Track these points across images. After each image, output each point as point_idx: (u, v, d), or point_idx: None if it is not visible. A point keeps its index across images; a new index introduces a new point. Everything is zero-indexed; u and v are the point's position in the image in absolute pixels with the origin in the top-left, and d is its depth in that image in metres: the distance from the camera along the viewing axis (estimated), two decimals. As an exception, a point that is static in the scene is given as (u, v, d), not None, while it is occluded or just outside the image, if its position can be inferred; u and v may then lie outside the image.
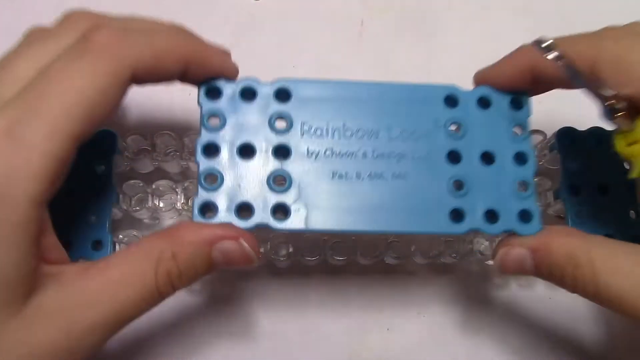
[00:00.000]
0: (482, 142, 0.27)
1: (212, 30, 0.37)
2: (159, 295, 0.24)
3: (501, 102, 0.28)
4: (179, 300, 0.33)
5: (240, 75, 0.27)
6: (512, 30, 0.38)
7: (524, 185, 0.26)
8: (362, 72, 0.37)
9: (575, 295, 0.34)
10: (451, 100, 0.28)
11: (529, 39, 0.37)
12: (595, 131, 0.31)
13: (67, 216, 0.29)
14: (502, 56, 0.37)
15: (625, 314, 0.23)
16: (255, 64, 0.37)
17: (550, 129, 0.32)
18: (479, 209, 0.26)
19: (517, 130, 0.27)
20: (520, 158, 0.27)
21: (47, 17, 0.37)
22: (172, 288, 0.24)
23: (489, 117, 0.27)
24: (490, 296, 0.34)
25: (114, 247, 0.30)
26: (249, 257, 0.24)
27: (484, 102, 0.28)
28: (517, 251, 0.26)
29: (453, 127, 0.27)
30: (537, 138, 0.32)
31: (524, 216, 0.26)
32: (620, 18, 0.38)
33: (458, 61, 0.37)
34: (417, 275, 0.34)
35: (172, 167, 0.33)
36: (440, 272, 0.34)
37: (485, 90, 0.28)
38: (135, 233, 0.31)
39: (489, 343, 0.34)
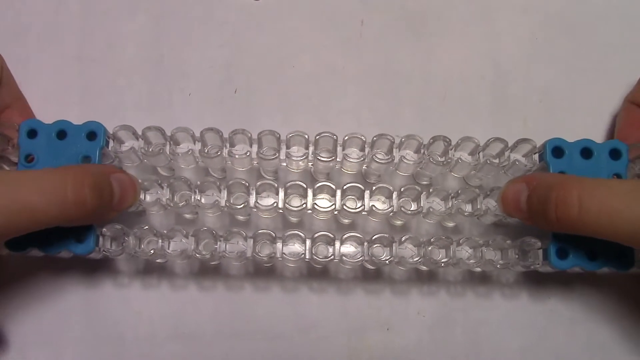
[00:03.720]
0: None
1: (212, 30, 0.37)
2: (66, 198, 0.26)
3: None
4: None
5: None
6: (512, 30, 0.38)
7: None
8: (362, 72, 0.37)
9: (572, 296, 0.34)
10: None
11: (528, 38, 0.38)
12: (584, 143, 0.31)
13: None
14: (501, 56, 0.37)
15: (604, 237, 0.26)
16: (255, 64, 0.37)
17: (541, 138, 0.31)
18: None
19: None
20: None
21: (47, 17, 0.37)
22: (84, 196, 0.27)
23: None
24: (490, 297, 0.34)
25: (97, 240, 0.30)
26: (135, 183, 0.30)
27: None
28: (516, 185, 0.29)
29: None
30: (526, 147, 0.32)
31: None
32: (619, 19, 0.38)
33: (458, 61, 0.37)
34: (417, 275, 0.34)
35: (159, 161, 0.32)
36: (440, 274, 0.34)
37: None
38: (118, 226, 0.30)
39: (488, 343, 0.34)
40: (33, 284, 0.33)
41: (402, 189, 0.31)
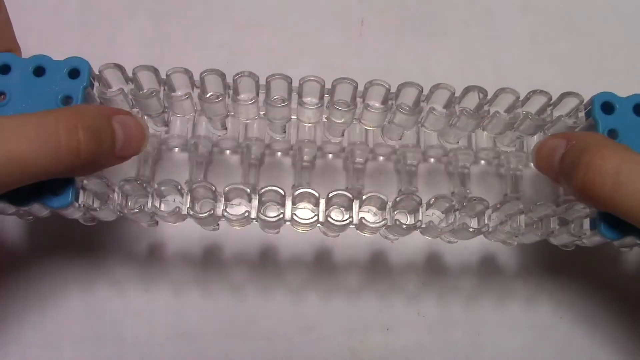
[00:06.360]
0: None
1: (212, 30, 0.37)
2: (58, 146, 0.23)
3: None
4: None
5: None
6: (512, 30, 0.38)
7: None
8: (362, 72, 0.37)
9: (573, 296, 0.34)
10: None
11: (528, 38, 0.38)
12: (638, 99, 0.27)
13: None
14: (501, 56, 0.37)
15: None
16: (255, 63, 0.37)
17: (588, 93, 0.29)
18: None
19: None
20: None
21: (47, 17, 0.37)
22: (77, 142, 0.24)
23: None
24: (491, 297, 0.34)
25: (77, 194, 0.26)
26: (142, 128, 0.26)
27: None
28: (554, 140, 0.26)
29: None
30: (572, 101, 0.28)
31: None
32: (619, 19, 0.38)
33: (458, 61, 0.37)
34: (417, 275, 0.34)
35: (151, 107, 0.29)
36: (440, 274, 0.34)
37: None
38: (98, 180, 0.27)
39: (488, 344, 0.34)
40: (33, 285, 0.33)
41: (397, 199, 0.27)
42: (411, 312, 0.34)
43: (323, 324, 0.33)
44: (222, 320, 0.33)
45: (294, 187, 0.33)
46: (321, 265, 0.34)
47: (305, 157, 0.33)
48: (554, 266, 0.34)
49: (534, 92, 0.28)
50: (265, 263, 0.34)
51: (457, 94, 0.29)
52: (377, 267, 0.34)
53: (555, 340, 0.34)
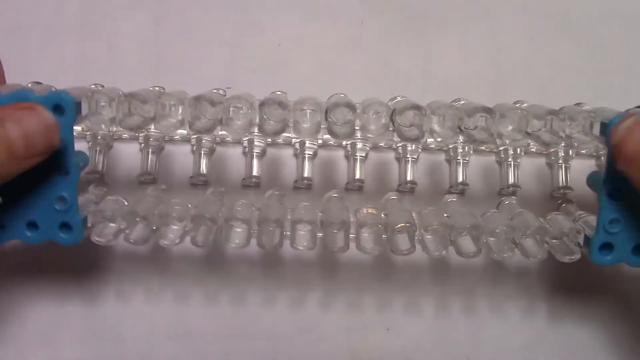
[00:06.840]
0: None
1: (212, 30, 0.37)
2: None
3: None
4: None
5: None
6: (512, 31, 0.38)
7: None
8: (362, 72, 0.37)
9: (574, 296, 0.34)
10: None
11: (528, 38, 0.38)
12: None
13: (30, 194, 0.26)
14: (501, 56, 0.37)
15: None
16: (255, 64, 0.37)
17: (588, 93, 0.29)
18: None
19: None
20: None
21: (47, 17, 0.37)
22: None
23: None
24: (491, 297, 0.34)
25: (85, 224, 0.27)
26: (47, 120, 0.24)
27: None
28: None
29: None
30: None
31: None
32: (619, 19, 0.38)
33: (458, 61, 0.37)
34: (417, 276, 0.34)
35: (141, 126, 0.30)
36: (440, 274, 0.34)
37: None
38: (97, 209, 0.28)
39: (488, 344, 0.34)
40: (33, 284, 0.33)
41: (396, 227, 0.28)
42: (411, 312, 0.34)
43: (323, 324, 0.33)
44: (222, 320, 0.33)
45: (296, 182, 0.34)
46: (321, 265, 0.34)
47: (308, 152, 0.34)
48: (553, 268, 0.34)
49: (552, 112, 0.28)
50: (266, 264, 0.34)
51: (458, 95, 0.29)
52: (377, 268, 0.34)
53: (555, 341, 0.34)
